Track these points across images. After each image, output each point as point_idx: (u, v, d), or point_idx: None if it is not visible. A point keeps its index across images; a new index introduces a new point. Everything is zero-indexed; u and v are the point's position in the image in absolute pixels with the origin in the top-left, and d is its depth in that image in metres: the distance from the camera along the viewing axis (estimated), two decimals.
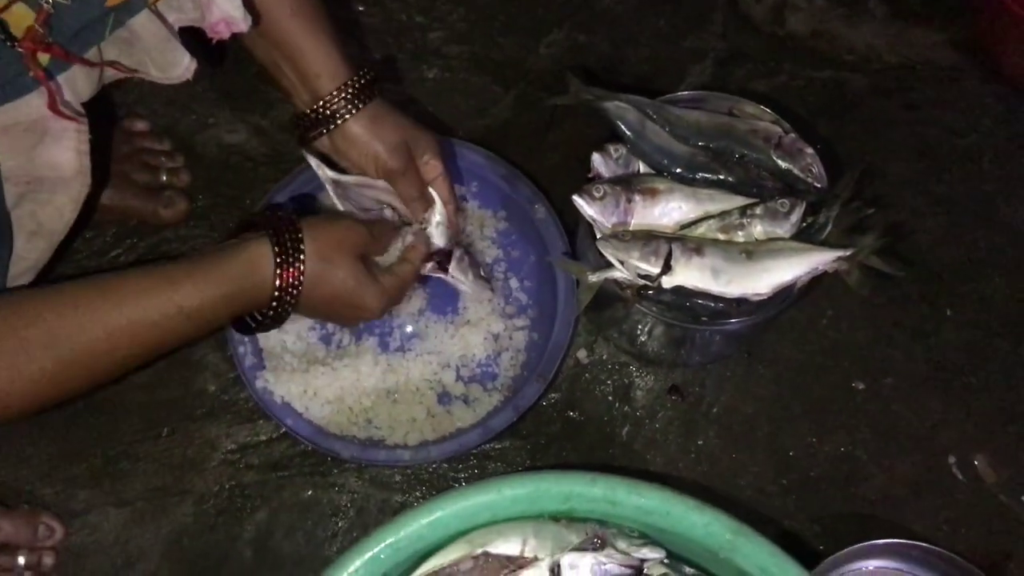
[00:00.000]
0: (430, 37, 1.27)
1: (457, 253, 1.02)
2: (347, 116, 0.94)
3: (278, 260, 0.85)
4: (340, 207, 1.01)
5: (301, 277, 0.86)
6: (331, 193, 1.00)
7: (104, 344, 0.78)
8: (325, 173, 0.99)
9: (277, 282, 0.85)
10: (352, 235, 0.92)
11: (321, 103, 0.93)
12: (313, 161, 0.99)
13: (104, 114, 1.17)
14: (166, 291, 0.81)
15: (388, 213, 1.03)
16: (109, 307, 0.79)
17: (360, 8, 1.28)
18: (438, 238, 1.02)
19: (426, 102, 1.23)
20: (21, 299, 0.79)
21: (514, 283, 1.11)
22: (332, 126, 0.95)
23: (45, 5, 0.72)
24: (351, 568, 0.81)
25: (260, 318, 0.89)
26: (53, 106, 0.76)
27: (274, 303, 0.87)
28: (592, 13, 1.30)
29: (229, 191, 1.18)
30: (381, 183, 0.99)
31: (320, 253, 0.88)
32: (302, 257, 0.86)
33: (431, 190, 1.01)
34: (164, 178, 1.15)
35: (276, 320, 0.90)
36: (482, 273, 1.07)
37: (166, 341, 0.83)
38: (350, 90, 0.93)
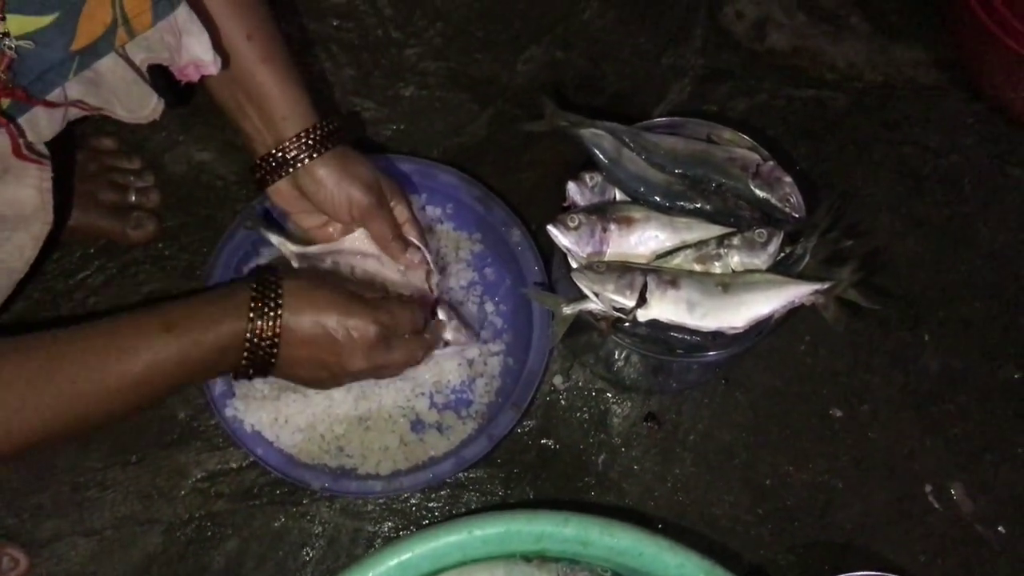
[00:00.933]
0: (406, 53, 1.25)
1: (442, 315, 1.01)
2: (312, 157, 0.92)
3: (252, 306, 0.85)
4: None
5: (277, 328, 0.86)
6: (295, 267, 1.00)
7: (104, 394, 0.81)
8: (288, 248, 0.99)
9: (250, 327, 0.85)
10: (332, 296, 0.90)
11: (285, 144, 0.91)
12: (275, 238, 1.00)
13: (71, 133, 1.15)
14: (156, 345, 0.82)
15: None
16: (111, 357, 0.81)
17: (335, 23, 1.26)
18: (419, 281, 1.01)
19: (402, 120, 1.22)
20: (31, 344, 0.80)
21: (489, 307, 1.10)
22: (296, 167, 0.92)
23: (8, 51, 0.70)
24: None
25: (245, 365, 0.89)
26: (17, 151, 0.74)
27: (246, 353, 0.86)
28: (570, 29, 1.28)
29: (200, 210, 1.16)
30: (347, 244, 0.98)
31: (295, 307, 0.87)
32: (280, 306, 0.86)
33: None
34: (133, 198, 1.13)
35: (257, 370, 0.89)
36: (466, 321, 1.05)
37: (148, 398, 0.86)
38: (316, 134, 0.91)
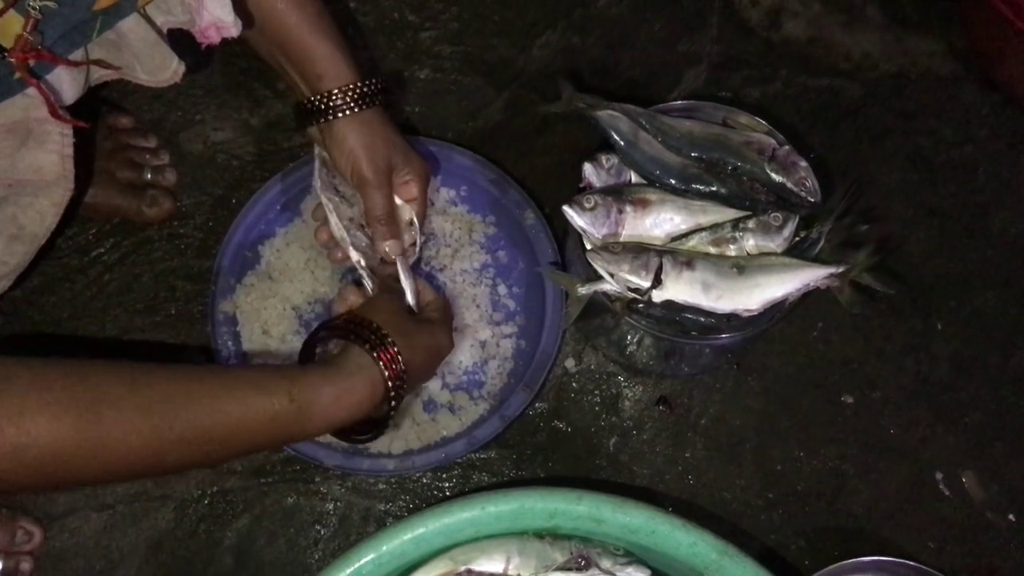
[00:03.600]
0: (422, 36, 1.25)
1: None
2: (340, 115, 0.93)
3: (374, 355, 0.83)
4: (320, 196, 0.99)
5: (399, 357, 0.84)
6: (316, 176, 1.00)
7: (219, 433, 0.73)
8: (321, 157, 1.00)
9: (386, 372, 0.83)
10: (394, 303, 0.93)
11: (318, 97, 0.92)
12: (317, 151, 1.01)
13: (88, 111, 1.15)
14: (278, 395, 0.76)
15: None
16: (230, 398, 0.74)
17: (352, 5, 1.26)
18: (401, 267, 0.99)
19: (417, 103, 1.22)
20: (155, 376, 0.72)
21: (502, 289, 1.10)
22: (323, 120, 0.93)
23: (32, 11, 0.70)
24: None
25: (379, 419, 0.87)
26: (53, 111, 0.75)
27: (391, 393, 0.84)
28: (587, 15, 1.28)
29: (215, 190, 1.16)
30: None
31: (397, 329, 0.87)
32: (390, 340, 0.85)
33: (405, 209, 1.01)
34: (149, 176, 1.13)
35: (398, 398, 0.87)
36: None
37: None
38: (350, 93, 0.92)
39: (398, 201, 0.99)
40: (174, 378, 0.72)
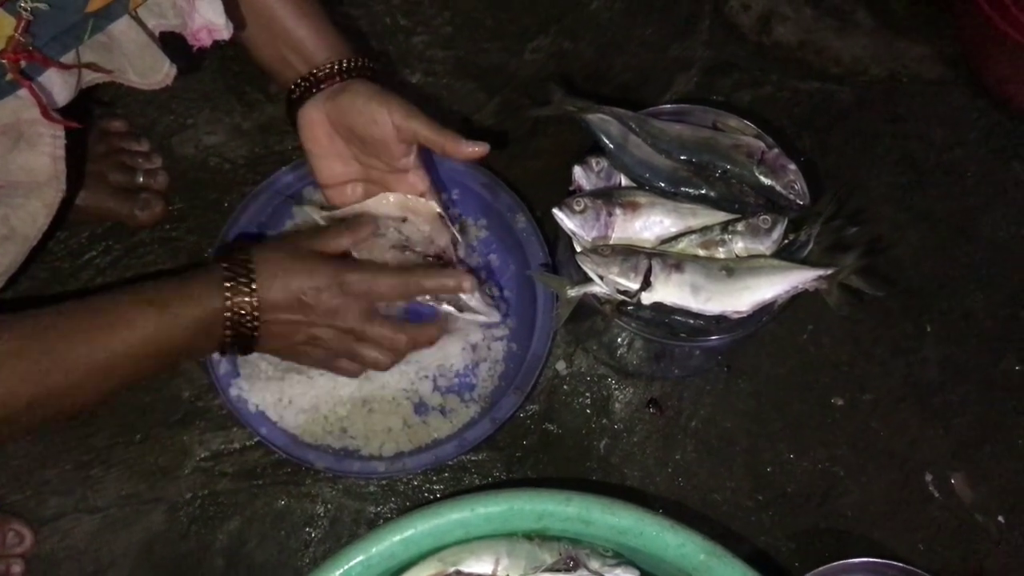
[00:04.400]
0: (414, 41, 1.26)
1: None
2: (343, 78, 0.94)
3: (227, 285, 0.87)
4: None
5: (255, 302, 0.88)
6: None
7: (90, 369, 0.81)
8: (316, 215, 1.03)
9: (228, 304, 0.87)
10: (297, 259, 0.92)
11: (316, 68, 0.94)
12: (307, 208, 1.05)
13: (81, 113, 1.15)
14: (136, 325, 0.84)
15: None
16: (96, 331, 0.82)
17: (344, 10, 1.26)
18: (443, 242, 1.02)
19: None
20: (13, 321, 0.80)
21: (494, 292, 1.10)
22: (330, 84, 0.94)
23: (24, 13, 0.71)
24: None
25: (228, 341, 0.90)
26: (45, 113, 0.75)
27: (228, 331, 0.88)
28: (579, 19, 1.29)
29: (207, 193, 1.16)
30: (370, 205, 0.99)
31: (267, 278, 0.89)
32: (253, 280, 0.88)
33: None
34: (141, 180, 1.14)
35: (242, 347, 0.91)
36: (489, 292, 1.05)
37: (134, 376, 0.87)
38: (348, 64, 0.94)
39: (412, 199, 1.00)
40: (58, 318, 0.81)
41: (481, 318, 1.02)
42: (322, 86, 0.94)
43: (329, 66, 0.94)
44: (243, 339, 0.90)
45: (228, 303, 0.87)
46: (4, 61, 0.72)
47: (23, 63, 0.73)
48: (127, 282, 1.11)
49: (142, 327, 0.83)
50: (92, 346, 0.81)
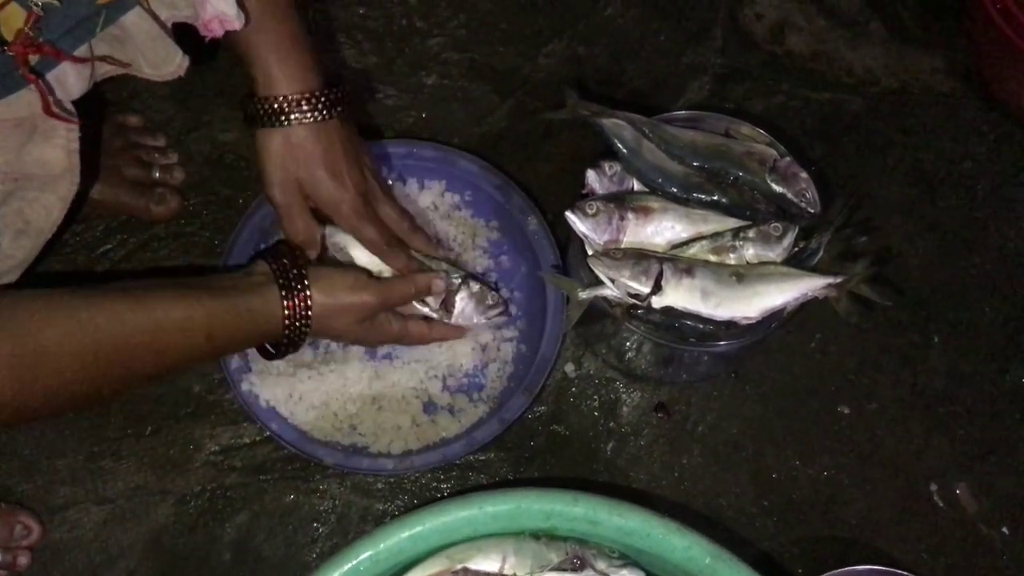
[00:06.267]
0: (430, 43, 1.27)
1: (462, 294, 1.03)
2: (299, 121, 0.90)
3: (283, 293, 0.89)
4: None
5: (308, 301, 0.90)
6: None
7: (127, 350, 0.79)
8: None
9: (286, 311, 0.89)
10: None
11: (275, 97, 0.89)
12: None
13: (97, 108, 1.17)
14: (191, 303, 0.83)
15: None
16: (136, 311, 0.80)
17: (360, 11, 1.27)
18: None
19: (423, 108, 1.23)
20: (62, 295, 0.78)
21: (504, 294, 1.11)
22: (283, 123, 0.90)
23: (35, 8, 0.71)
24: None
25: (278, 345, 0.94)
26: (47, 108, 0.75)
27: (286, 331, 0.91)
28: (593, 25, 1.30)
29: (222, 190, 1.17)
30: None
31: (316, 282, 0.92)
32: (306, 283, 0.90)
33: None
34: (157, 175, 1.15)
35: (292, 347, 0.94)
36: (490, 301, 1.05)
37: (185, 356, 0.86)
38: (312, 100, 0.90)
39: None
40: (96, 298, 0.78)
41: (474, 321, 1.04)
42: (276, 121, 0.90)
43: (285, 100, 0.89)
44: (296, 338, 0.92)
45: (284, 302, 0.89)
46: (12, 53, 0.72)
47: (36, 57, 0.74)
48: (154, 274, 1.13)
49: (200, 306, 0.83)
50: (151, 314, 0.80)
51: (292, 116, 0.90)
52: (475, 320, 1.04)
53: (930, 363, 1.13)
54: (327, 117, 0.91)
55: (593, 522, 0.84)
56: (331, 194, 0.94)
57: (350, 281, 0.94)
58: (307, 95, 0.90)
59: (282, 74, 0.89)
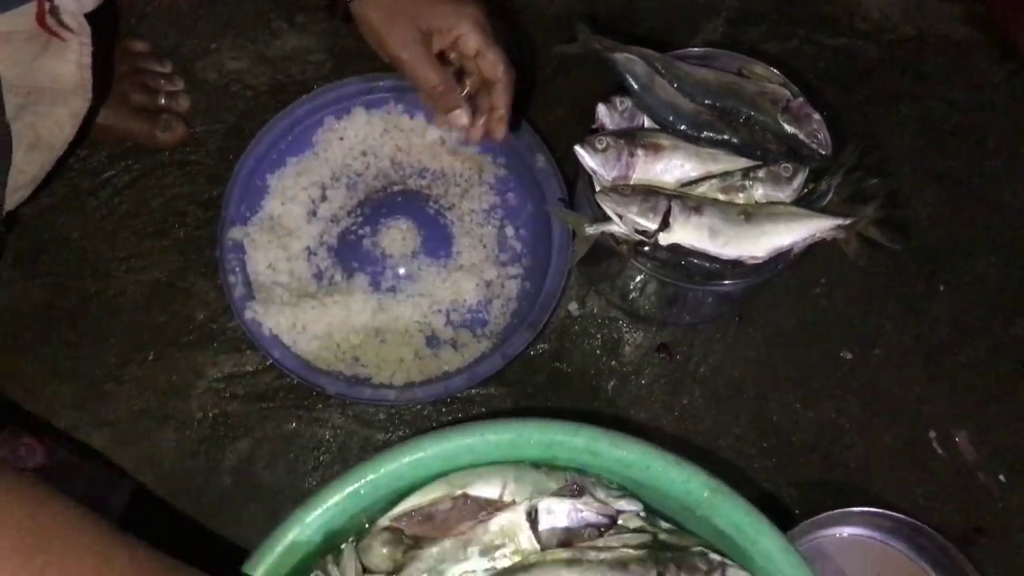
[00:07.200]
0: None
1: None
2: None
3: None
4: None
5: None
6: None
7: None
8: None
9: None
10: None
11: None
12: None
13: (106, 33, 1.15)
14: None
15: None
16: None
17: None
18: None
19: None
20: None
21: (509, 231, 1.11)
22: None
23: None
24: (331, 502, 0.81)
25: None
26: (41, 20, 0.75)
27: None
28: None
29: (228, 118, 1.16)
30: None
31: None
32: None
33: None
34: (163, 101, 1.14)
35: None
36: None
37: None
38: None
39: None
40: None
41: None
42: None
43: None
44: None
45: None
46: None
47: None
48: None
49: None
50: None
51: None
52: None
53: (934, 312, 1.13)
54: None
55: (593, 453, 0.84)
56: (454, 8, 0.92)
57: None
58: None
59: None
